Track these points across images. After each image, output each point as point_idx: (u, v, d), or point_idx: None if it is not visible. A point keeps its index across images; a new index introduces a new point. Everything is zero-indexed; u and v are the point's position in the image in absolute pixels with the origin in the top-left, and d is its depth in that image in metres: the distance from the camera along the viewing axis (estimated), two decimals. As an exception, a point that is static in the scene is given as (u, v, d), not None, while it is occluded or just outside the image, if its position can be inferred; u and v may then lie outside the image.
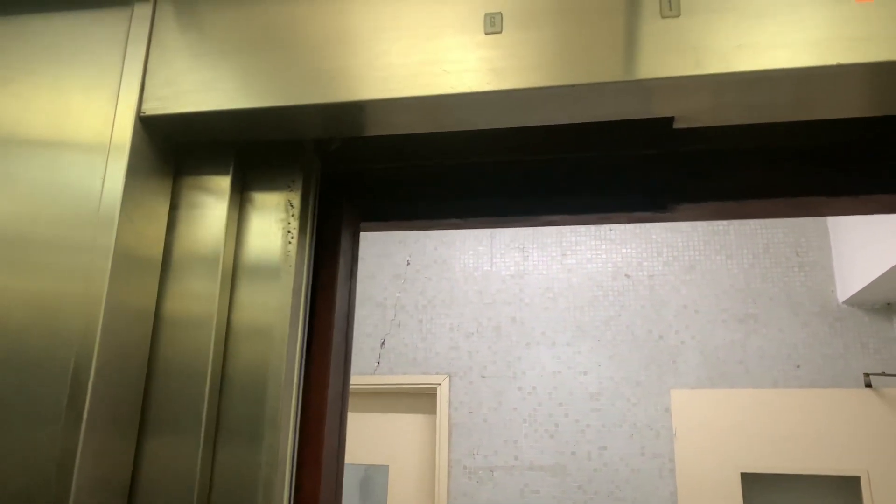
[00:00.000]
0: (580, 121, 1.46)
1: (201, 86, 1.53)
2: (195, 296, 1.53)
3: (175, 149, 1.64)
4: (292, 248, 1.57)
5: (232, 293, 1.56)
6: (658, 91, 1.36)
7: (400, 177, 1.89)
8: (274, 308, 1.54)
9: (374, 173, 1.87)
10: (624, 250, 5.65)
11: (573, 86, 1.35)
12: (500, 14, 1.42)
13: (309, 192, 1.66)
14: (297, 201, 1.61)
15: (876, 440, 4.69)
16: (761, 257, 5.42)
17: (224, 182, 1.60)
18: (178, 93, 1.53)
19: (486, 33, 1.41)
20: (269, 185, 1.63)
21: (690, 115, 1.44)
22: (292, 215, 1.60)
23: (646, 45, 1.35)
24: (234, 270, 1.57)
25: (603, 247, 5.74)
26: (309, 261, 1.65)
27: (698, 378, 5.17)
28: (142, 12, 1.61)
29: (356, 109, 1.46)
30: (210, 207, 1.58)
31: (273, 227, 1.59)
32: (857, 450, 4.71)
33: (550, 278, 5.72)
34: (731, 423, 4.90)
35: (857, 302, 5.08)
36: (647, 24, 1.36)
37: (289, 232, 1.59)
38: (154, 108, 1.52)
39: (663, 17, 1.35)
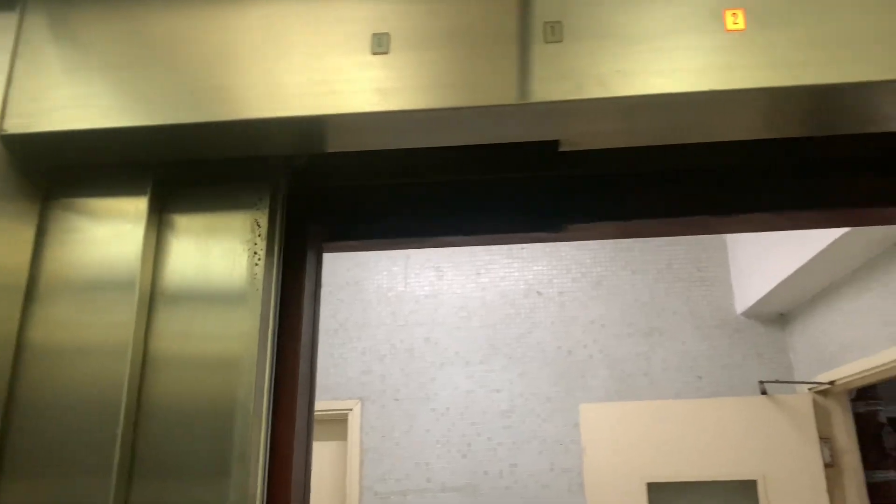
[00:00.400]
0: (466, 143, 1.46)
1: (73, 102, 1.44)
2: (86, 323, 1.43)
3: (47, 170, 1.53)
4: (259, 269, 1.46)
5: (151, 320, 1.46)
6: (542, 115, 1.38)
7: (363, 195, 1.80)
8: (240, 335, 1.42)
9: (337, 192, 1.78)
10: (535, 268, 5.75)
11: (458, 108, 1.35)
12: (388, 35, 1.40)
13: (276, 211, 1.54)
14: (263, 220, 1.49)
15: (771, 445, 4.92)
16: (665, 273, 5.62)
17: (138, 204, 1.49)
18: (45, 109, 1.43)
19: (374, 53, 1.39)
20: (232, 203, 1.51)
21: (575, 138, 1.47)
22: (259, 235, 1.48)
23: (530, 70, 1.36)
24: (154, 296, 1.47)
25: (515, 265, 5.82)
26: (277, 283, 1.54)
27: (606, 391, 5.29)
28: (6, 22, 1.51)
29: (240, 128, 1.41)
30: (115, 231, 1.48)
31: (237, 247, 1.48)
32: (754, 455, 4.93)
33: (465, 297, 5.74)
34: (637, 435, 5.03)
35: (753, 314, 5.34)
36: (531, 50, 1.37)
37: (255, 253, 1.47)
38: (17, 125, 1.42)
39: (547, 42, 1.37)
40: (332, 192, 1.76)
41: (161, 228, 1.51)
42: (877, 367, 3.88)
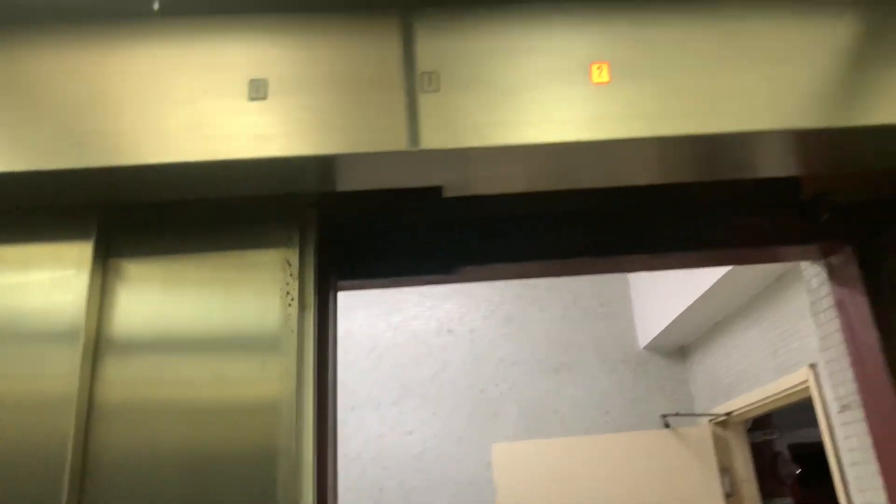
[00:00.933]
0: (345, 189, 1.46)
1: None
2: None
3: None
4: (293, 311, 1.39)
5: (95, 369, 1.36)
6: (421, 162, 1.40)
7: (375, 231, 1.78)
8: (275, 379, 1.34)
9: (349, 229, 1.75)
10: (446, 306, 5.77)
11: (335, 155, 1.36)
12: (266, 80, 1.40)
13: (307, 249, 1.47)
14: (294, 259, 1.44)
15: (674, 477, 5.06)
16: (571, 309, 5.76)
17: (81, 250, 1.41)
18: None
19: (251, 99, 1.39)
20: (261, 241, 1.46)
21: (456, 184, 1.50)
22: (290, 275, 1.42)
23: (409, 119, 1.39)
24: (99, 344, 1.38)
25: (427, 303, 5.83)
26: (314, 324, 1.44)
27: (517, 430, 5.32)
28: None
29: (110, 175, 1.36)
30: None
31: (268, 288, 1.41)
32: (660, 487, 5.05)
33: (376, 338, 5.68)
34: (548, 473, 5.07)
35: (654, 347, 5.53)
36: (409, 99, 1.40)
37: (288, 293, 1.41)
38: None
39: (424, 91, 1.40)
40: (346, 229, 1.75)
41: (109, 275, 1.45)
42: (768, 397, 4.08)
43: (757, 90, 1.40)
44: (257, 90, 1.39)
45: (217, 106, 1.37)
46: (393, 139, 1.37)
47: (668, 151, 1.42)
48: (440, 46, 1.45)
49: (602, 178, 1.57)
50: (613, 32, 1.45)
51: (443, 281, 1.97)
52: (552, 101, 1.39)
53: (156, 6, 1.42)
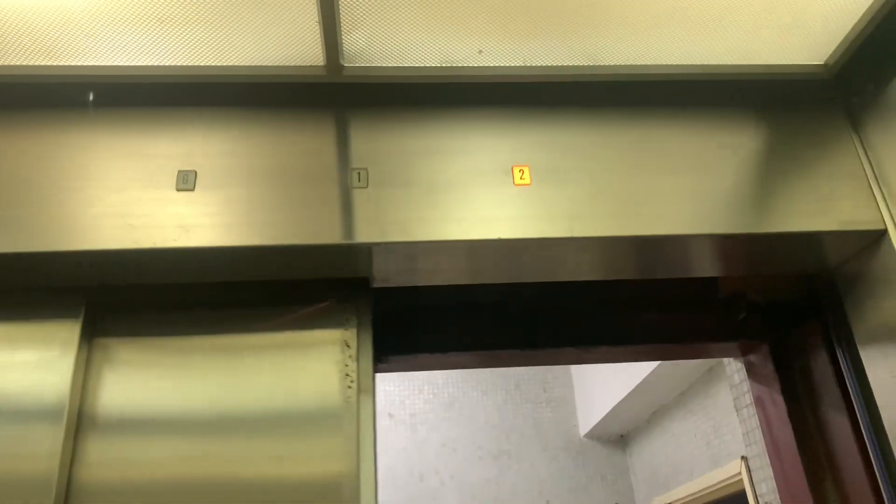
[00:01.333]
0: (266, 278, 1.47)
1: None
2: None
3: None
4: (353, 392, 1.39)
5: (76, 447, 1.31)
6: (347, 255, 1.42)
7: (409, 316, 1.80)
8: (335, 459, 1.32)
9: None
10: (387, 388, 5.69)
11: (260, 246, 1.37)
12: (195, 172, 1.42)
13: (365, 330, 1.47)
14: (353, 341, 1.44)
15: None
16: (513, 393, 5.74)
17: (68, 330, 1.37)
18: None
19: (178, 189, 1.40)
20: (319, 322, 1.47)
21: (383, 276, 1.52)
22: (350, 356, 1.42)
23: (336, 213, 1.42)
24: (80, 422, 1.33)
25: (368, 386, 5.73)
26: (373, 405, 1.43)
27: (457, 520, 5.19)
28: None
29: (31, 261, 1.34)
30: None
31: (327, 368, 1.40)
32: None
33: (314, 420, 5.54)
34: (488, 565, 4.93)
35: (595, 435, 5.52)
36: (340, 194, 1.44)
37: (347, 375, 1.40)
38: None
39: (353, 187, 1.44)
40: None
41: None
42: (704, 489, 4.09)
43: (670, 195, 1.49)
44: (185, 181, 1.41)
45: (145, 195, 1.38)
46: (326, 232, 1.40)
47: (587, 251, 1.48)
48: (371, 144, 1.50)
49: (525, 274, 1.61)
50: (534, 137, 1.53)
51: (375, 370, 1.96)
52: (476, 200, 1.44)
53: (90, 97, 1.44)
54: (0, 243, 1.32)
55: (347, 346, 1.45)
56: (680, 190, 1.50)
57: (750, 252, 1.59)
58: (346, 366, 1.43)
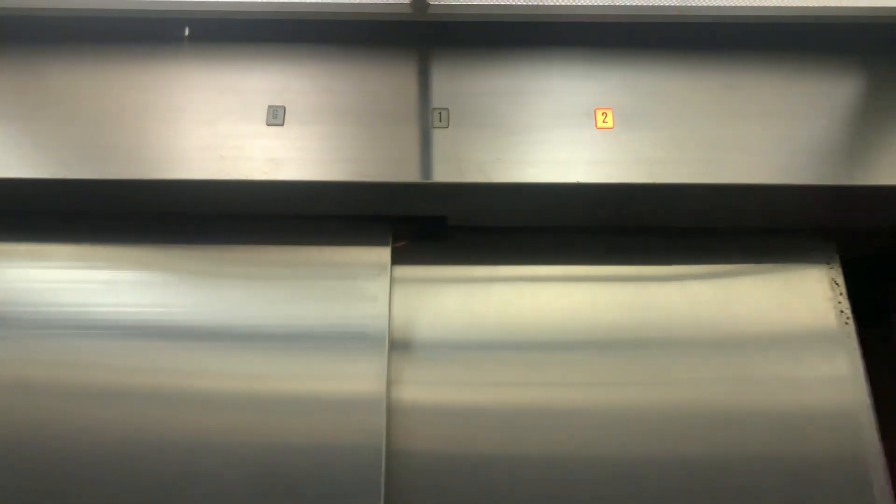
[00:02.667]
0: (355, 214, 1.52)
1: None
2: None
3: None
4: (850, 328, 1.52)
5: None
6: (428, 194, 1.45)
7: None
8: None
9: None
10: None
11: (346, 182, 1.41)
12: (284, 108, 1.47)
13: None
14: (840, 280, 1.57)
15: None
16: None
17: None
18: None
19: (268, 124, 1.45)
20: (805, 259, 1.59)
21: (459, 216, 1.55)
22: (840, 294, 1.55)
23: (417, 152, 1.44)
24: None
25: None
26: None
27: None
28: None
29: (127, 188, 1.43)
30: None
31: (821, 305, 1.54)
32: None
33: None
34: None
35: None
36: (421, 134, 1.46)
37: (842, 311, 1.54)
38: None
39: (434, 127, 1.46)
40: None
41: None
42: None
43: (757, 143, 1.44)
44: (275, 116, 1.46)
45: (235, 129, 1.44)
46: (405, 171, 1.43)
47: (667, 198, 1.46)
48: (452, 84, 1.51)
49: (602, 219, 1.59)
50: (619, 79, 1.50)
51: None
52: (556, 142, 1.44)
53: (186, 32, 1.50)
54: (103, 170, 1.41)
55: (836, 283, 1.57)
56: (768, 137, 1.45)
57: (840, 204, 1.53)
58: (839, 303, 1.53)
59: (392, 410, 1.39)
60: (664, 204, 1.48)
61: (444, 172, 1.42)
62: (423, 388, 1.44)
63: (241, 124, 1.45)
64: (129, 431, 1.34)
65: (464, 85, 1.51)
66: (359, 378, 1.39)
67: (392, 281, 1.51)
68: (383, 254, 1.52)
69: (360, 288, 1.48)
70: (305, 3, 1.53)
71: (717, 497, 1.37)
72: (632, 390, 1.45)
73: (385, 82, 1.52)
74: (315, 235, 1.54)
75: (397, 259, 1.54)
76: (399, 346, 1.47)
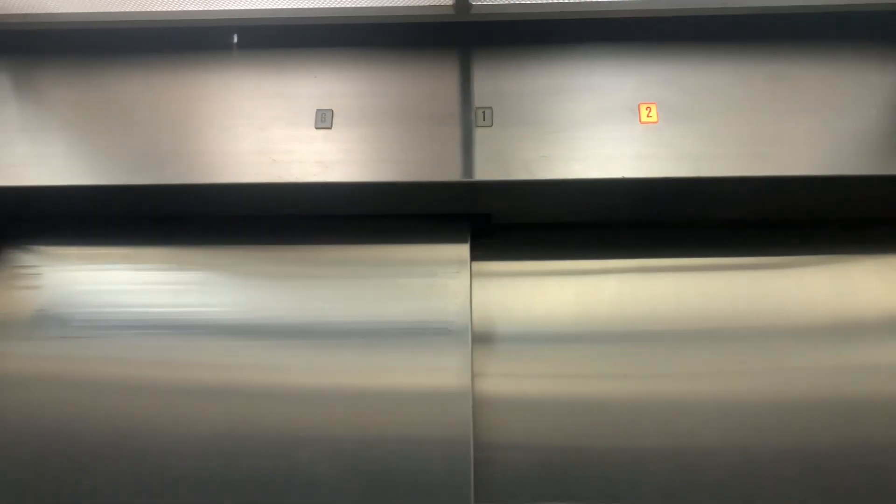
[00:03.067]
0: (402, 212, 1.55)
1: (28, 160, 1.50)
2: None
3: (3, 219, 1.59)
4: None
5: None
6: (471, 192, 1.48)
7: None
8: None
9: None
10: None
11: (394, 183, 1.45)
12: (332, 111, 1.51)
13: None
14: None
15: None
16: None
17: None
18: (2, 165, 1.50)
19: (317, 128, 1.49)
20: None
21: (505, 213, 1.57)
22: None
23: (462, 152, 1.47)
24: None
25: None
26: None
27: None
28: (-30, 80, 1.59)
29: (185, 193, 1.49)
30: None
31: None
32: None
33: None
34: None
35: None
36: (464, 133, 1.48)
37: None
38: (-29, 180, 1.48)
39: (478, 126, 1.48)
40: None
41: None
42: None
43: (802, 135, 1.43)
44: (323, 119, 1.50)
45: (286, 133, 1.48)
46: (450, 170, 1.46)
47: (712, 191, 1.46)
48: (495, 83, 1.53)
49: (651, 214, 1.60)
50: (662, 74, 1.50)
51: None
52: (601, 138, 1.45)
53: (234, 39, 1.55)
54: (161, 176, 1.47)
55: None
56: (813, 130, 1.44)
57: (886, 195, 1.52)
58: None
59: (477, 403, 1.43)
60: (711, 198, 1.48)
61: (489, 171, 1.45)
62: (506, 381, 1.47)
63: (291, 129, 1.49)
64: (227, 428, 1.40)
65: (507, 83, 1.53)
66: (444, 372, 1.42)
67: (472, 276, 1.54)
68: (462, 250, 1.55)
69: (441, 284, 1.51)
70: (350, 8, 1.56)
71: (838, 489, 1.36)
72: (713, 381, 1.46)
73: (429, 83, 1.54)
74: (394, 234, 1.58)
75: (475, 255, 1.57)
76: (481, 340, 1.50)
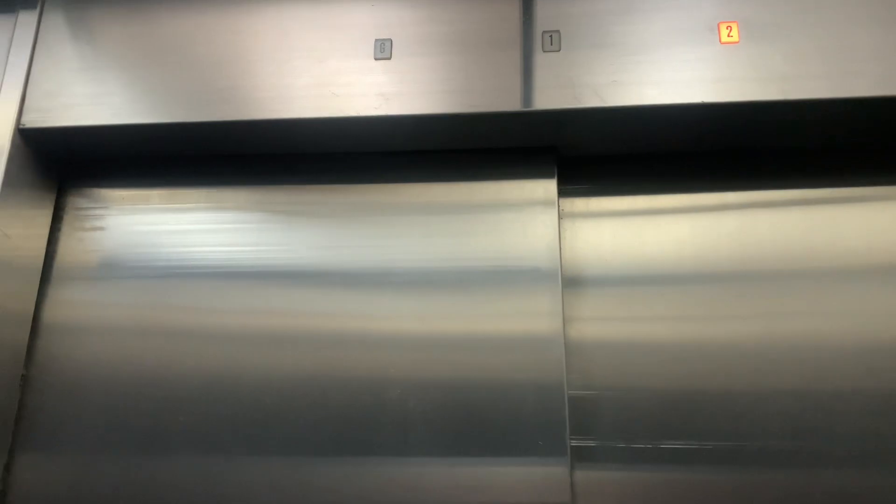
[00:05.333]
0: (467, 147, 1.50)
1: (87, 100, 1.49)
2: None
3: (63, 161, 1.59)
4: None
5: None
6: (540, 122, 1.41)
7: None
8: None
9: None
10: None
11: (459, 114, 1.39)
12: (391, 41, 1.45)
13: None
14: None
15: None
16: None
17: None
18: (61, 106, 1.49)
19: (376, 59, 1.44)
20: None
21: (573, 144, 1.50)
22: None
23: (529, 79, 1.40)
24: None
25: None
26: None
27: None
28: (27, 19, 1.57)
29: (245, 129, 1.46)
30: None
31: None
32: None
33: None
34: None
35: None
36: (532, 58, 1.41)
37: None
38: (34, 120, 1.48)
39: (545, 51, 1.40)
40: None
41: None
42: None
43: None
44: (382, 49, 1.44)
45: (345, 65, 1.43)
46: (508, 99, 1.39)
47: (801, 116, 1.37)
48: (562, 5, 1.44)
49: (730, 141, 1.51)
50: (744, -10, 1.39)
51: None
52: (677, 61, 1.36)
53: (289, -32, 1.49)
54: (220, 113, 1.44)
55: None
56: (910, 44, 1.32)
57: None
58: None
59: (569, 347, 1.40)
60: (800, 122, 1.38)
61: (557, 98, 1.38)
62: (597, 325, 1.43)
63: (350, 60, 1.44)
64: (316, 369, 1.41)
65: (574, 5, 1.44)
66: (535, 316, 1.39)
67: (560, 216, 1.49)
68: (549, 186, 1.49)
69: (528, 223, 1.46)
70: (409, -71, 1.48)
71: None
72: (822, 321, 1.40)
73: (490, 8, 1.46)
74: (470, 170, 1.52)
75: (562, 192, 1.51)
76: (571, 283, 1.46)
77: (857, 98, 1.30)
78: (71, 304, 1.51)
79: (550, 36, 1.41)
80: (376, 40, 1.44)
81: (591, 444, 1.36)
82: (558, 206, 1.48)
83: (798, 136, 1.45)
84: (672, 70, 1.35)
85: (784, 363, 1.37)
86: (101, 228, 1.57)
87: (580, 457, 1.35)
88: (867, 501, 1.29)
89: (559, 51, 1.40)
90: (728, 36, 1.36)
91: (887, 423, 1.32)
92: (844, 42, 1.34)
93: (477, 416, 1.34)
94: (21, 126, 1.48)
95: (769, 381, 1.36)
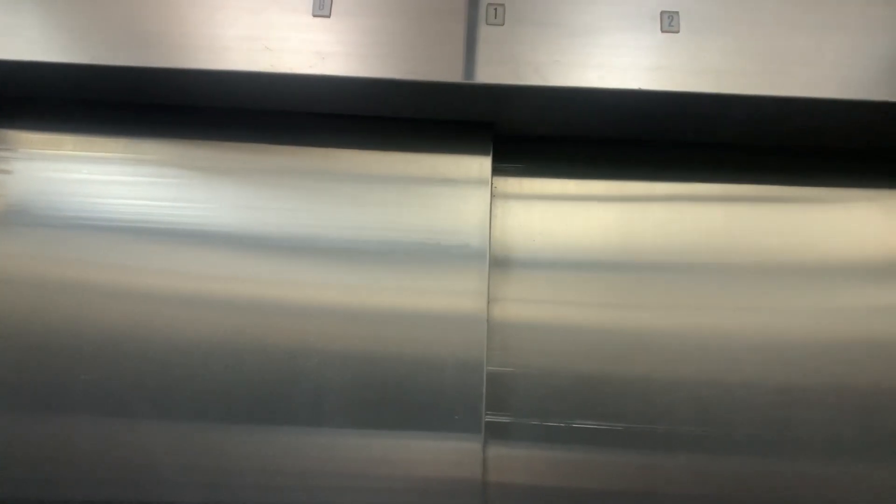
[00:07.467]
0: (403, 116, 1.46)
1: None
2: None
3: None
4: None
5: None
6: (480, 96, 1.39)
7: None
8: None
9: None
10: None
11: (396, 80, 1.35)
12: (345, -5, 1.39)
13: None
14: None
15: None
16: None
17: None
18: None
19: (315, 15, 1.38)
20: None
21: (509, 122, 1.49)
22: None
23: (472, 52, 1.37)
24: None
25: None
26: None
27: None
28: (-69, -61, 1.43)
29: (170, 77, 1.38)
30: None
31: None
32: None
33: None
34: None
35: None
36: (474, 31, 1.38)
37: None
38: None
39: (489, 24, 1.38)
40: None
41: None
42: None
43: (832, 54, 1.36)
44: (322, 6, 1.38)
45: (281, 19, 1.37)
46: (448, 70, 1.36)
47: (731, 110, 1.39)
48: (509, -21, 1.42)
49: (659, 131, 1.53)
50: (689, -20, 1.40)
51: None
52: (618, 46, 1.36)
53: None
54: (144, 58, 1.36)
55: None
56: (846, 49, 1.36)
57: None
58: None
59: (492, 325, 1.40)
60: (732, 117, 1.41)
61: (498, 73, 1.36)
62: (521, 306, 1.43)
63: (287, 14, 1.38)
64: (230, 335, 1.36)
65: (521, -20, 1.42)
66: (460, 293, 1.38)
67: (493, 194, 1.48)
68: (484, 164, 1.47)
69: (460, 199, 1.44)
70: None
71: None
72: (737, 315, 1.44)
73: (437, -25, 1.43)
74: (406, 140, 1.49)
75: (497, 170, 1.50)
76: (498, 263, 1.46)
77: (785, 97, 1.34)
78: (-33, 251, 1.41)
79: (495, 9, 1.39)
80: (316, -4, 1.39)
81: (506, 420, 1.37)
82: (491, 185, 1.46)
83: (728, 131, 1.48)
84: (614, 55, 1.35)
85: (697, 353, 1.41)
86: (5, 171, 1.47)
87: (494, 433, 1.35)
88: (766, 485, 1.35)
89: (503, 25, 1.38)
90: (670, 25, 1.37)
91: (788, 413, 1.38)
92: (780, 43, 1.37)
93: (394, 389, 1.33)
94: (-81, 54, 1.36)
95: (682, 370, 1.40)
